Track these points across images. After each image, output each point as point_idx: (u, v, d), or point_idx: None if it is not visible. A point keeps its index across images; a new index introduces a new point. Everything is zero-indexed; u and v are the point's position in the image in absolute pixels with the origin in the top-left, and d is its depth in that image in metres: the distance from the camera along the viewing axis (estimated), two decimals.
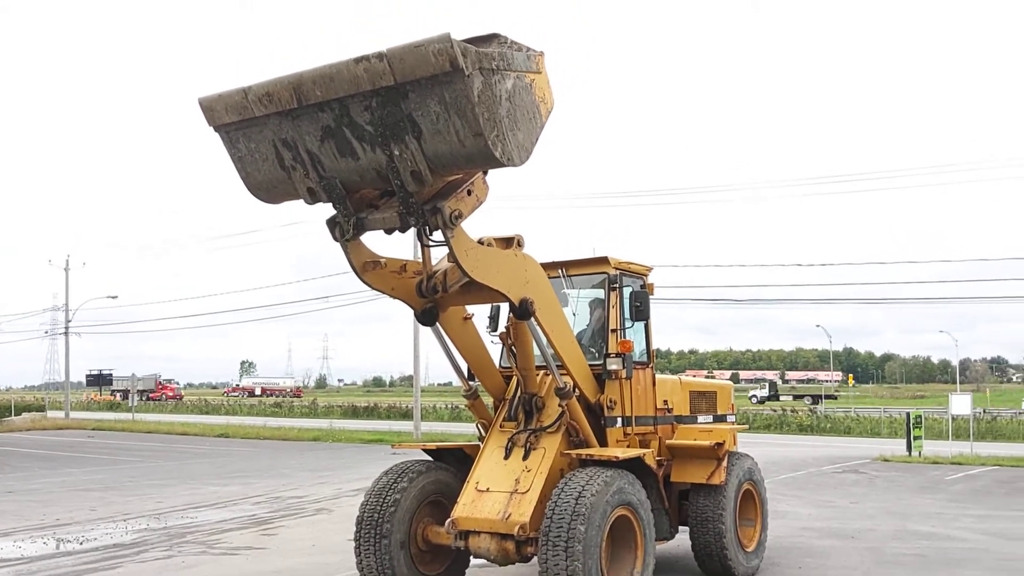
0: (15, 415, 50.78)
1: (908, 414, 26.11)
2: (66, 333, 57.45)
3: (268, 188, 6.39)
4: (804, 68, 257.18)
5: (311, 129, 5.83)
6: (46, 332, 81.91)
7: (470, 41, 6.01)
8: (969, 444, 26.31)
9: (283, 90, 5.70)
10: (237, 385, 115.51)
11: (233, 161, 6.32)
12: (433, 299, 7.64)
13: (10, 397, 78.53)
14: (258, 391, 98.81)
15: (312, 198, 6.29)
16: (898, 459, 23.85)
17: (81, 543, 12.13)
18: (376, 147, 5.74)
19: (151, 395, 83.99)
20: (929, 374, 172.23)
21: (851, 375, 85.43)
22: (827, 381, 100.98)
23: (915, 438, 24.86)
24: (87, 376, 71.51)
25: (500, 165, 5.61)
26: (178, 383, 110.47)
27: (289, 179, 6.19)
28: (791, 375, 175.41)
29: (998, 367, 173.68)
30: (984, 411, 48.63)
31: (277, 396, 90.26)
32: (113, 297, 61.13)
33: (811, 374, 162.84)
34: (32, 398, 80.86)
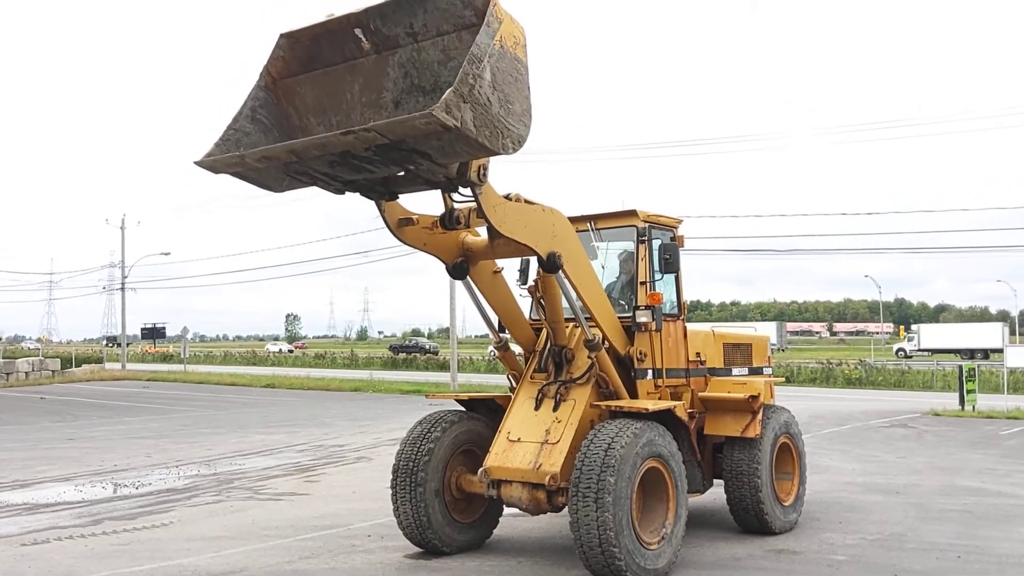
0: (76, 367, 52.60)
1: (961, 367, 25.38)
2: (122, 289, 59.18)
3: (289, 189, 6.40)
4: (843, 10, 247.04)
5: (319, 164, 5.79)
6: (104, 288, 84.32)
7: None
8: None
9: (280, 153, 5.67)
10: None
11: (252, 184, 6.28)
12: (464, 253, 7.73)
13: (71, 349, 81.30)
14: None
15: (340, 192, 6.42)
16: (950, 413, 23.30)
17: (137, 487, 12.62)
18: (389, 166, 5.75)
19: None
20: None
21: (902, 327, 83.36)
22: (877, 333, 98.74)
23: (968, 392, 24.10)
24: (141, 329, 73.19)
25: (515, 151, 5.60)
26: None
27: (312, 185, 6.26)
28: (839, 327, 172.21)
29: None
30: None
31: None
32: (166, 254, 62.41)
33: (860, 326, 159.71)
34: (91, 350, 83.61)
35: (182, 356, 57.24)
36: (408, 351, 74.80)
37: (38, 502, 11.55)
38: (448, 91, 5.08)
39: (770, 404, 9.57)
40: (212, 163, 5.96)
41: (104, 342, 78.02)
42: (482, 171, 6.34)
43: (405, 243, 7.41)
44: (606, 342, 8.10)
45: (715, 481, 9.47)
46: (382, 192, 6.62)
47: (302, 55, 6.30)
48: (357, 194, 6.60)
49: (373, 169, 5.81)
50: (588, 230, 8.86)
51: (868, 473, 13.47)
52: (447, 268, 7.81)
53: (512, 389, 8.74)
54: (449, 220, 7.19)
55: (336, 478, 13.37)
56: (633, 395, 8.32)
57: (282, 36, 6.31)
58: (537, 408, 8.15)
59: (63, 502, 11.50)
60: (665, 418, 7.94)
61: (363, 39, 6.08)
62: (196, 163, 5.97)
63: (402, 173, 6.48)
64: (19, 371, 42.86)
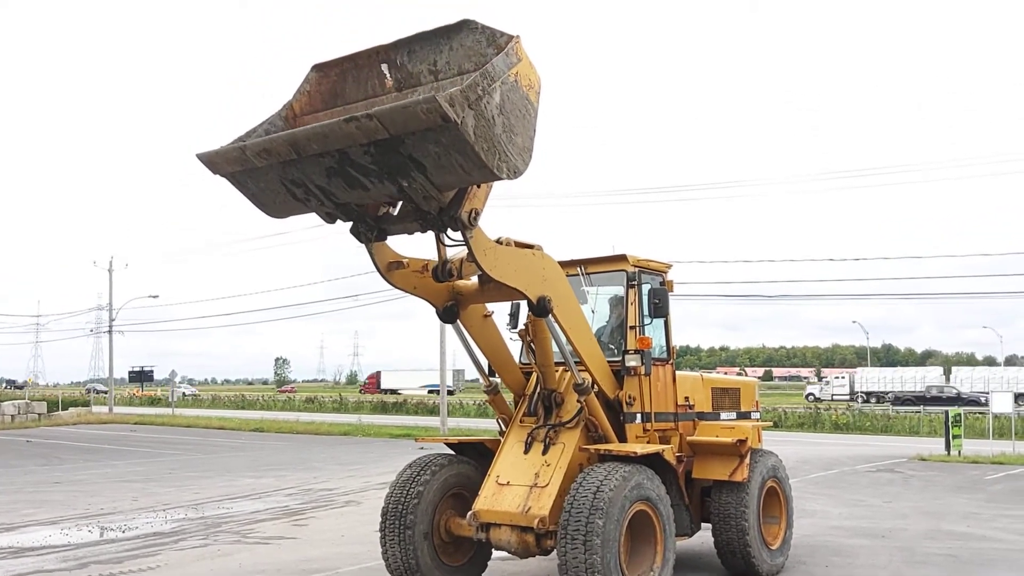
0: (62, 410, 52.08)
1: (947, 412, 25.53)
2: (110, 331, 58.77)
3: (285, 213, 6.42)
4: (827, 60, 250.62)
5: (316, 170, 5.76)
6: (91, 330, 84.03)
7: (439, 32, 5.96)
8: (1012, 443, 25.67)
9: (280, 146, 5.65)
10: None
11: (246, 197, 6.26)
12: (454, 297, 7.82)
13: (57, 392, 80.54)
14: None
15: (331, 220, 6.44)
16: (936, 458, 23.36)
17: (123, 531, 12.55)
18: (384, 180, 5.71)
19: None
20: None
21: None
22: None
23: (954, 437, 24.22)
24: (129, 373, 72.89)
25: (509, 179, 5.63)
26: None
27: (306, 207, 6.23)
28: (828, 372, 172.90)
29: None
30: None
31: None
32: (154, 297, 62.47)
33: (849, 371, 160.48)
34: (78, 393, 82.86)
35: (170, 399, 56.74)
36: None
37: (23, 546, 11.47)
38: (455, 88, 5.09)
39: (758, 448, 9.65)
40: (212, 157, 5.93)
41: (88, 391, 77.25)
42: (473, 214, 6.37)
43: (395, 287, 7.42)
44: (595, 386, 8.19)
45: (703, 524, 9.50)
46: (371, 226, 6.61)
47: (326, 90, 6.36)
48: (349, 224, 6.59)
49: (368, 184, 5.75)
50: (578, 275, 8.99)
51: (855, 517, 13.53)
52: (437, 312, 7.88)
53: (501, 433, 8.81)
54: (442, 272, 7.20)
55: (325, 522, 13.31)
56: (622, 439, 8.39)
57: (312, 69, 6.40)
58: (526, 452, 8.21)
59: (49, 546, 11.42)
60: (654, 462, 8.02)
61: (388, 75, 6.13)
62: (197, 156, 5.96)
63: (395, 212, 6.60)
64: (5, 414, 42.45)
